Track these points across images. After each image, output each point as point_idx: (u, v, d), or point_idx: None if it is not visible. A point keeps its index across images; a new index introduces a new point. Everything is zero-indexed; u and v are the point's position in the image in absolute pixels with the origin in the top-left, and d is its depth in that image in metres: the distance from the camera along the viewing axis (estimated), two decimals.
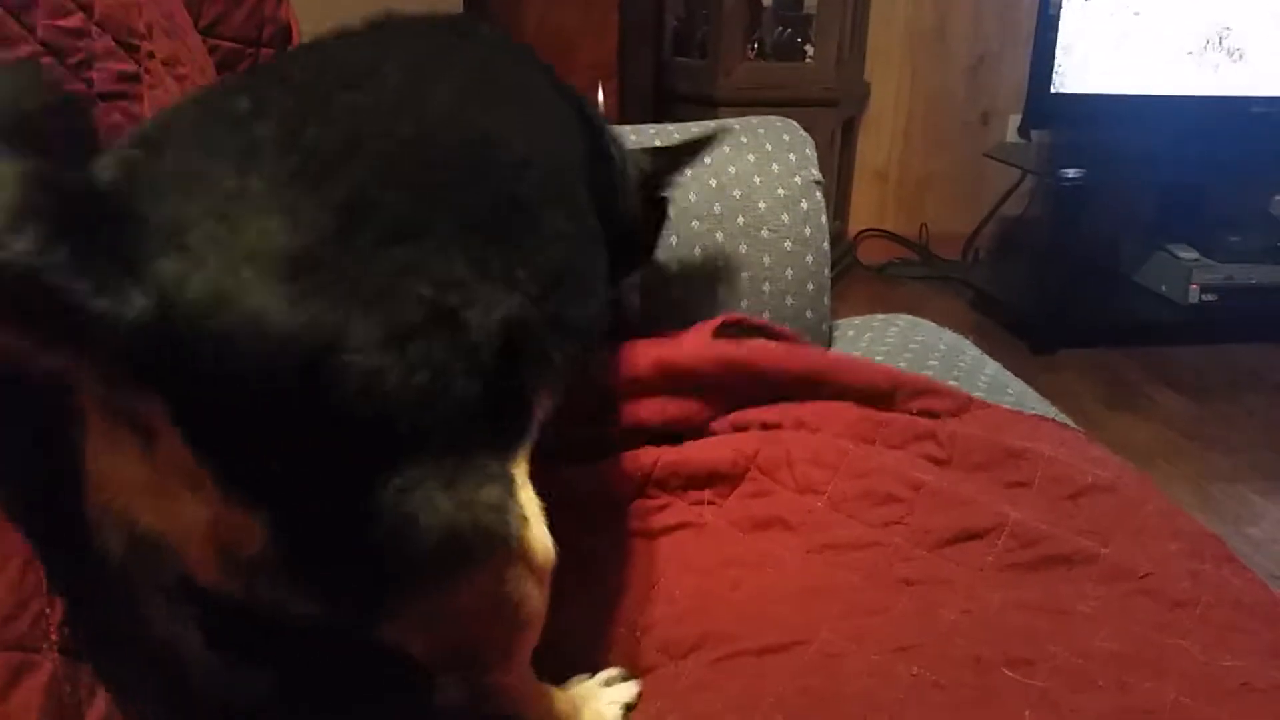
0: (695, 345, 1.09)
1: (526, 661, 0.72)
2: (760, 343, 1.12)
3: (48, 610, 0.57)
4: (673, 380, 1.05)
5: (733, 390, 1.08)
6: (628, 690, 0.80)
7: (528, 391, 0.68)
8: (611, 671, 0.82)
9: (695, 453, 1.02)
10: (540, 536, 0.67)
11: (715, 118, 1.52)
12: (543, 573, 0.67)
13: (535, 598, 0.67)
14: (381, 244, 0.60)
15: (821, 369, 1.08)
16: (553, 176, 0.82)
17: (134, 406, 0.53)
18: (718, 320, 1.21)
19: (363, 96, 0.71)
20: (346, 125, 0.66)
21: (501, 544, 0.63)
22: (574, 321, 0.77)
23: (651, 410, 1.03)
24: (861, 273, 3.56)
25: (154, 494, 0.56)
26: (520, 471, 0.67)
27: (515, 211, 0.73)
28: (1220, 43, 2.85)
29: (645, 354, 1.06)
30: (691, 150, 1.25)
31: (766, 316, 1.39)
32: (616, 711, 0.78)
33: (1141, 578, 0.87)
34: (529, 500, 0.66)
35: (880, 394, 1.07)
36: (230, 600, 0.59)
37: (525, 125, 0.83)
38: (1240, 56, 2.85)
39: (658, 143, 1.40)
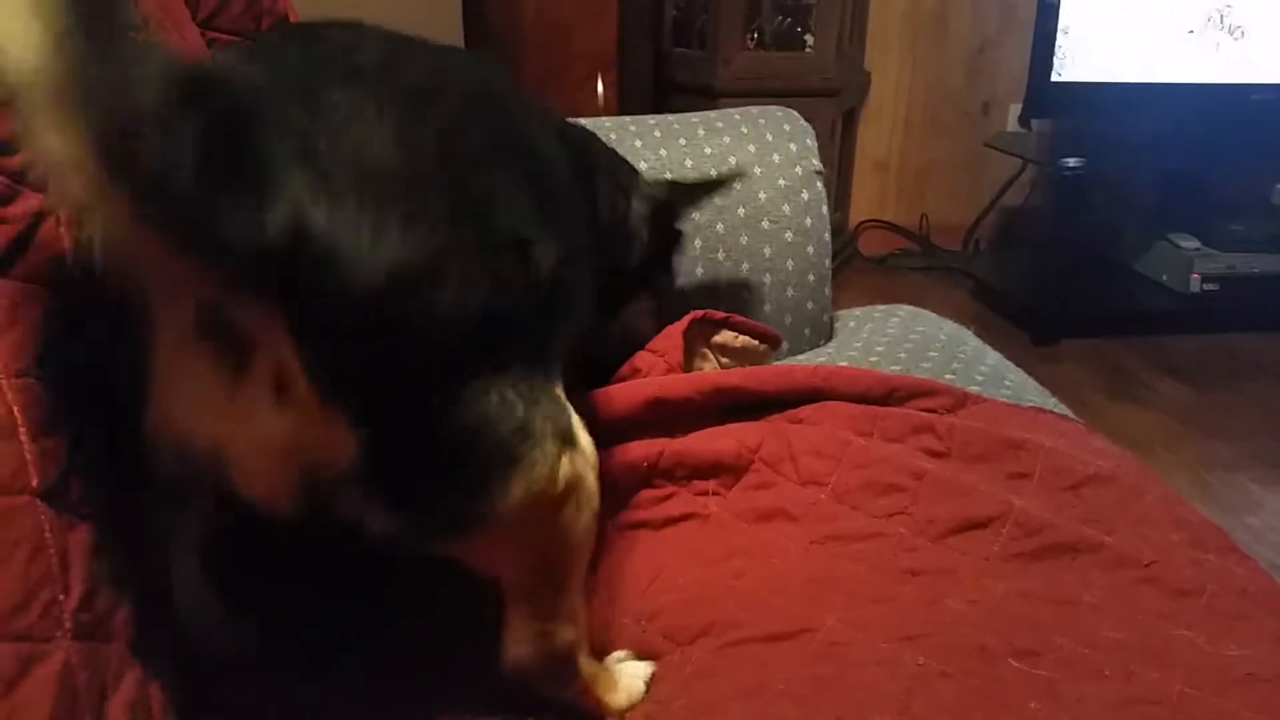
0: (685, 379, 1.09)
1: (583, 587, 0.75)
2: (751, 369, 1.12)
3: (61, 597, 0.57)
4: (667, 416, 1.05)
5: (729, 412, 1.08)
6: (645, 667, 0.81)
7: (557, 339, 0.73)
8: (620, 653, 0.83)
9: (699, 444, 1.01)
10: (588, 439, 0.72)
11: (715, 108, 1.52)
12: (595, 465, 0.72)
13: (596, 497, 0.72)
14: (475, 170, 0.66)
15: (815, 383, 1.07)
16: (564, 176, 0.88)
17: (241, 320, 0.54)
18: (685, 321, 1.20)
19: (429, 57, 0.78)
20: (425, 73, 0.73)
21: (570, 443, 0.68)
22: (578, 304, 0.81)
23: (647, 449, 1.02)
24: (862, 264, 3.55)
25: (228, 411, 0.57)
26: (560, 390, 0.71)
27: (548, 183, 0.79)
28: (1221, 21, 2.84)
29: (637, 393, 1.05)
30: (709, 188, 1.29)
31: (767, 308, 1.39)
32: (641, 685, 0.80)
33: (1145, 566, 0.87)
34: (572, 411, 0.71)
35: (875, 399, 1.07)
36: (282, 519, 0.61)
37: (541, 130, 0.89)
38: (1242, 34, 2.84)
39: (657, 134, 1.40)
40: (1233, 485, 2.19)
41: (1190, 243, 3.05)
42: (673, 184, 1.26)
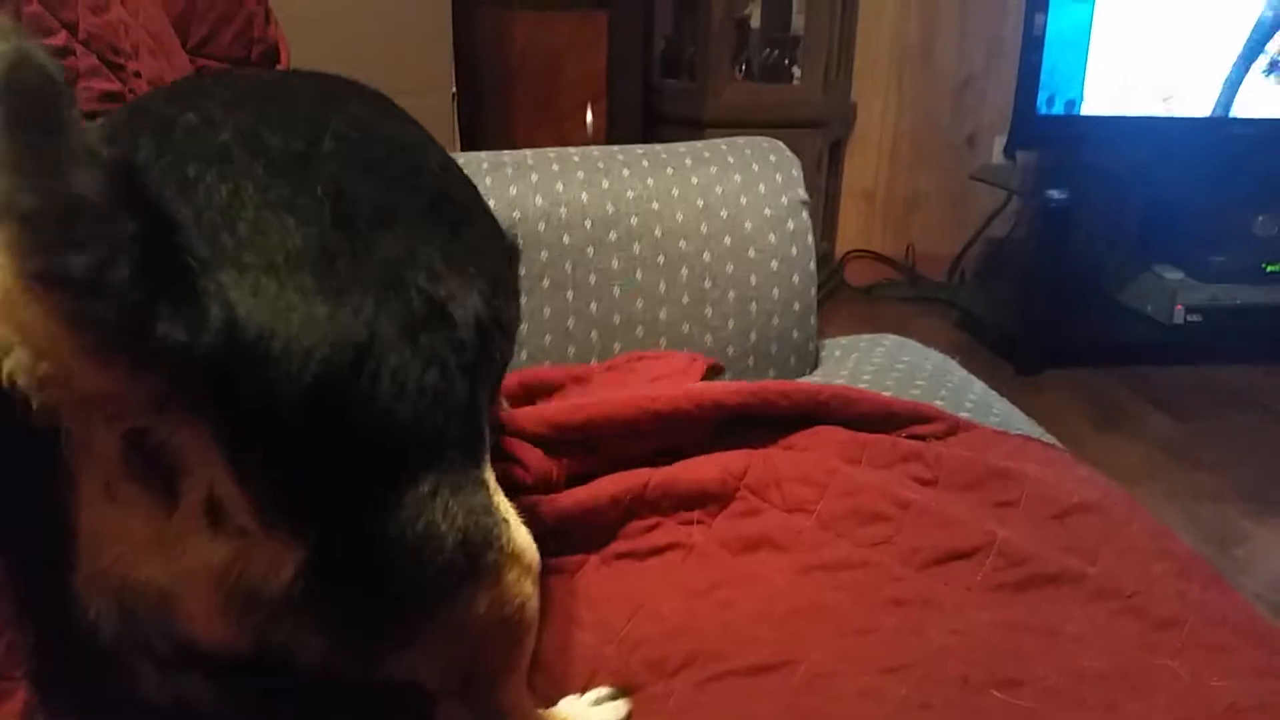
0: (690, 392, 1.07)
1: (524, 678, 0.72)
2: (757, 385, 1.11)
3: (20, 639, 0.57)
4: (665, 426, 1.04)
5: (728, 429, 1.07)
6: (616, 710, 0.80)
7: (479, 391, 0.66)
8: (601, 691, 0.81)
9: (685, 472, 1.01)
10: (524, 536, 0.67)
11: (702, 139, 1.53)
12: (534, 572, 0.68)
13: (533, 599, 0.68)
14: (374, 231, 0.60)
15: (818, 403, 1.07)
16: (465, 183, 0.83)
17: (172, 442, 0.51)
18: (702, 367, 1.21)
19: (292, 107, 0.70)
20: (294, 129, 0.65)
21: (500, 547, 0.63)
22: (509, 324, 0.78)
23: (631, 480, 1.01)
24: (848, 293, 3.57)
25: (162, 546, 0.53)
26: (490, 475, 0.66)
27: (454, 209, 0.73)
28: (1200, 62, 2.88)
29: (642, 403, 1.05)
30: None
31: (753, 336, 1.40)
32: None
33: (1128, 597, 0.87)
34: (504, 502, 0.66)
35: (874, 423, 1.07)
36: (229, 657, 0.58)
37: (426, 141, 0.83)
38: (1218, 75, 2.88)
39: (645, 163, 1.41)
40: (1218, 516, 2.20)
41: (1174, 274, 3.08)
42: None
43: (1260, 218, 3.17)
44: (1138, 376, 2.91)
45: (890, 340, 1.50)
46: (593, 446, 1.03)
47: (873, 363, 1.41)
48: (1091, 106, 2.87)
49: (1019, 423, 1.26)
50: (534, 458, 0.99)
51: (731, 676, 0.79)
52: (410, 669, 0.64)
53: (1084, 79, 2.85)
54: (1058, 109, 2.86)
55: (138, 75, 0.95)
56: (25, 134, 0.40)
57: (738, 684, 0.79)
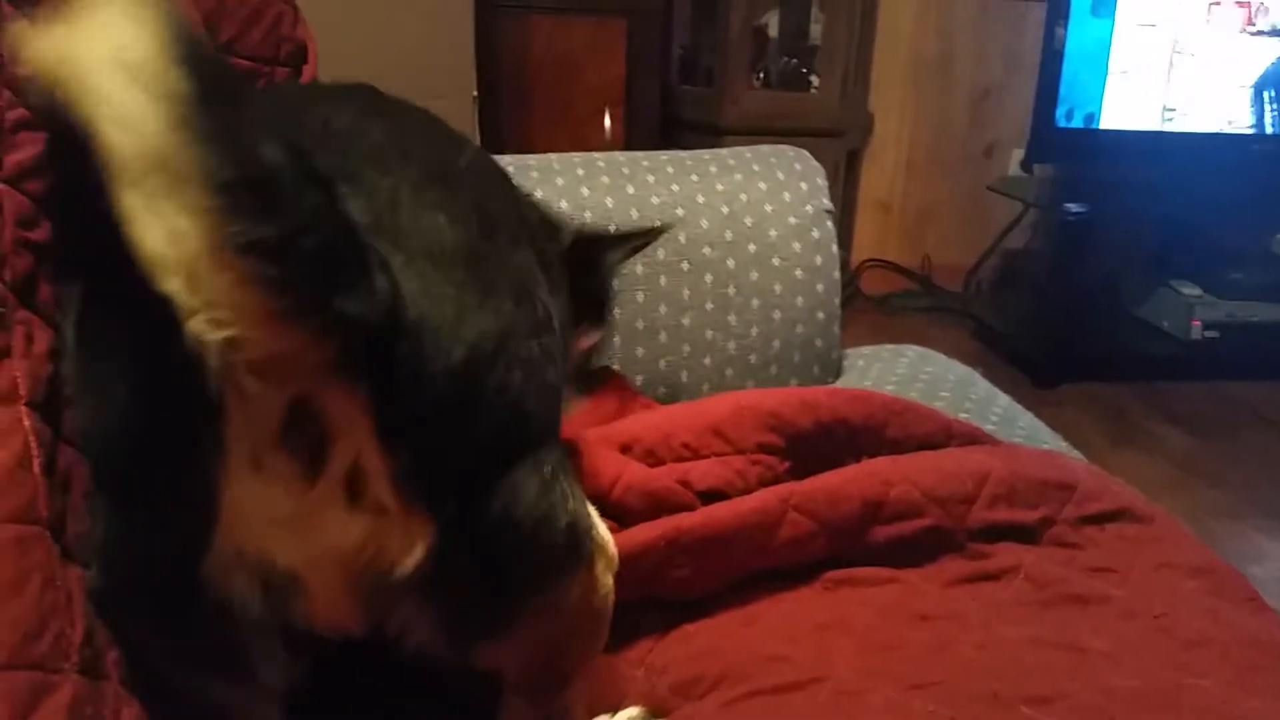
0: (777, 392, 1.05)
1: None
2: (829, 388, 1.08)
3: (68, 630, 0.56)
4: (745, 425, 1.00)
5: (800, 441, 1.02)
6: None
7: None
8: (633, 711, 0.80)
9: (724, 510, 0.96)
10: (605, 529, 0.70)
11: (720, 146, 1.53)
12: (614, 566, 0.71)
13: (612, 593, 0.70)
14: (508, 244, 0.66)
15: (885, 417, 1.03)
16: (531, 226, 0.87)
17: (329, 409, 0.52)
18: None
19: (404, 124, 0.76)
20: (436, 144, 0.73)
21: (593, 535, 0.67)
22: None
23: (711, 474, 0.97)
24: (864, 303, 3.56)
25: (299, 522, 0.55)
26: None
27: (527, 236, 0.76)
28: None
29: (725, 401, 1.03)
30: (634, 237, 1.13)
31: (776, 344, 1.39)
32: None
33: (1156, 617, 0.86)
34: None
35: (935, 444, 1.05)
36: (334, 641, 0.60)
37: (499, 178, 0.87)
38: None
39: (669, 169, 1.40)
40: (1236, 534, 2.19)
41: (1191, 290, 3.06)
42: (589, 234, 1.06)
43: (1278, 235, 3.16)
44: (1154, 392, 2.89)
45: (913, 351, 1.50)
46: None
47: (896, 373, 1.40)
48: (1110, 120, 2.87)
49: (1045, 436, 1.25)
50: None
51: (758, 696, 0.78)
52: (501, 657, 0.66)
53: (1103, 92, 2.84)
54: (1076, 122, 2.86)
55: None
56: (217, 106, 0.43)
57: (764, 704, 0.78)
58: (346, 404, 0.52)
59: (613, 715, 0.80)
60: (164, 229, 0.44)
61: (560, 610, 0.65)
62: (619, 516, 0.92)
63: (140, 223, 0.44)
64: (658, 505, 0.93)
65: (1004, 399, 1.35)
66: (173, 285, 0.45)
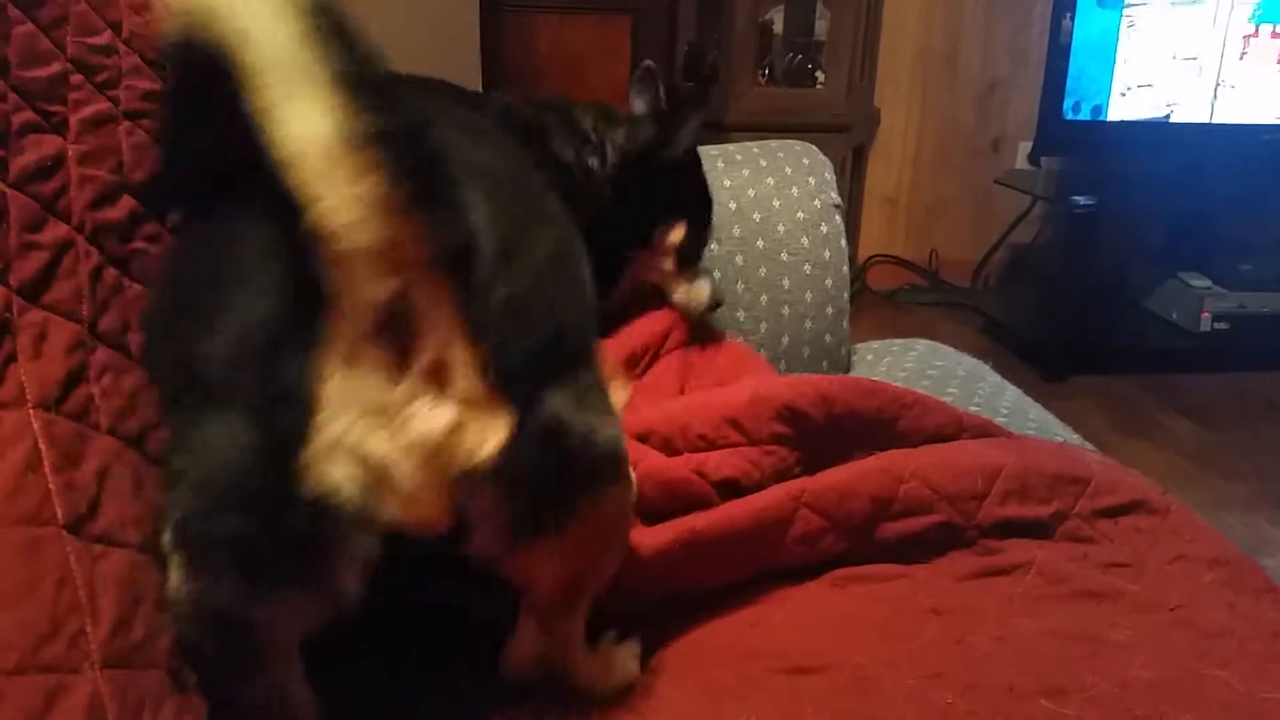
0: (793, 381, 1.03)
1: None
2: (843, 378, 1.07)
3: (88, 628, 0.56)
4: (758, 413, 0.99)
5: (811, 433, 1.01)
6: (633, 646, 0.84)
7: None
8: (609, 634, 0.85)
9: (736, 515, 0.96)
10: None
11: (726, 143, 1.53)
12: (634, 492, 0.77)
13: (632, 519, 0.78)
14: (538, 184, 0.86)
15: (896, 411, 1.03)
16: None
17: (419, 303, 0.57)
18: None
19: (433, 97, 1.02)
20: (459, 110, 1.01)
21: (626, 453, 0.72)
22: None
23: (726, 464, 0.97)
24: (871, 298, 3.55)
25: (391, 413, 0.58)
26: None
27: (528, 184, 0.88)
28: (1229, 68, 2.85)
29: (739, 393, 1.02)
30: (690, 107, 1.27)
31: (785, 340, 1.39)
32: (635, 664, 0.82)
33: (1172, 610, 0.85)
34: None
35: (946, 437, 1.04)
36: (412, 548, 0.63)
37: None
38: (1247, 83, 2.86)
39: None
40: (1248, 526, 2.18)
41: (1200, 281, 3.05)
42: (638, 120, 1.26)
43: None
44: (1164, 384, 2.88)
45: (922, 345, 1.49)
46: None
47: (905, 368, 1.40)
48: (1118, 112, 2.86)
49: (1055, 429, 1.25)
50: None
51: (778, 674, 0.78)
52: (545, 563, 0.71)
53: (1110, 84, 2.83)
54: (1084, 115, 2.85)
55: None
56: (330, 13, 0.52)
57: (783, 682, 0.77)
58: (438, 300, 0.57)
59: (613, 640, 0.83)
60: (299, 125, 0.51)
61: (602, 517, 0.71)
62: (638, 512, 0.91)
63: (277, 122, 0.51)
64: (673, 495, 0.93)
65: (1014, 391, 1.35)
66: (301, 176, 0.51)
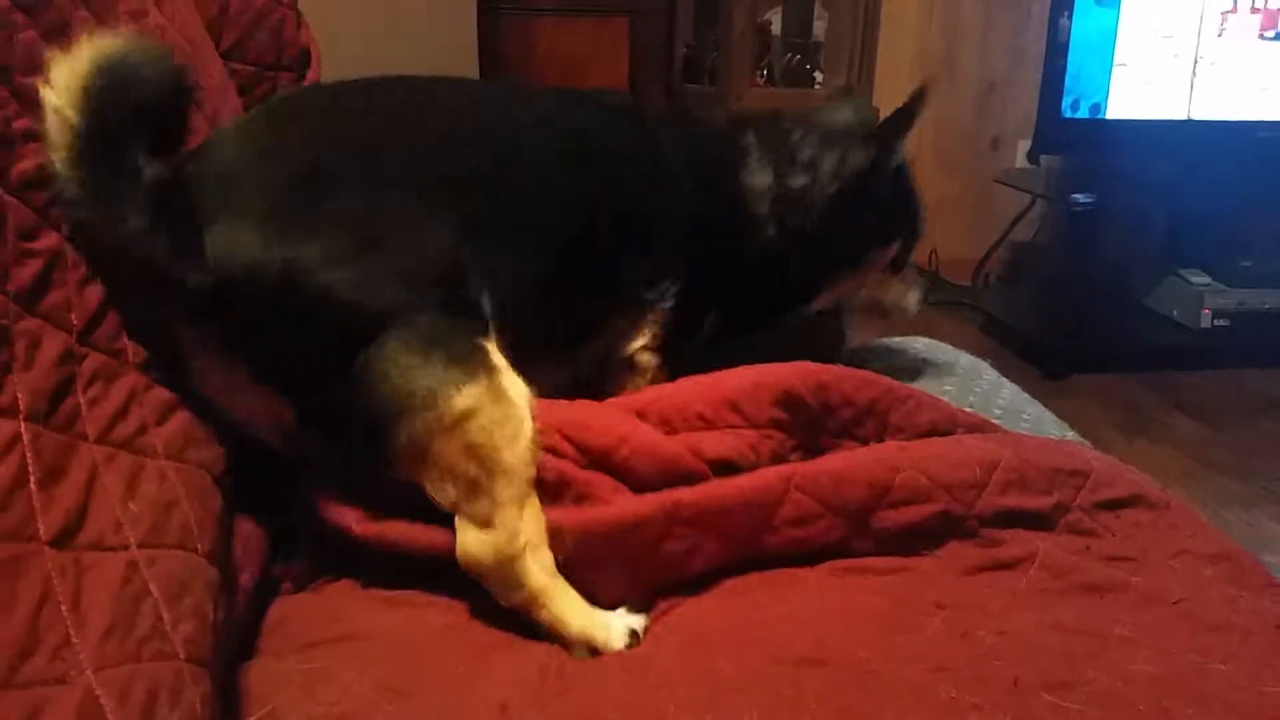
0: (794, 368, 1.04)
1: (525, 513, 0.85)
2: (841, 368, 1.08)
3: (74, 638, 0.56)
4: (754, 399, 1.00)
5: (806, 420, 1.02)
6: (638, 619, 0.86)
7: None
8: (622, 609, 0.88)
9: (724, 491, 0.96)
10: (499, 374, 0.84)
11: None
12: (509, 396, 0.84)
13: (508, 423, 0.83)
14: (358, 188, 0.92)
15: (889, 404, 1.04)
16: None
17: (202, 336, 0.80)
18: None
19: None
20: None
21: (470, 378, 0.82)
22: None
23: (724, 445, 0.97)
24: None
25: (228, 389, 0.83)
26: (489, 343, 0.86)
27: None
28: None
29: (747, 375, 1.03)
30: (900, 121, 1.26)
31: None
32: (623, 628, 0.84)
33: (1174, 603, 0.85)
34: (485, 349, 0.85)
35: (940, 432, 1.04)
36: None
37: None
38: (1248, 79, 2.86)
39: None
40: (1249, 523, 2.17)
41: (1201, 278, 3.05)
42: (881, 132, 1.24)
43: None
44: (1165, 382, 2.88)
45: (921, 342, 1.49)
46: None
47: (903, 364, 1.40)
48: (1117, 110, 2.86)
49: (1050, 426, 1.25)
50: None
51: (781, 665, 0.78)
52: (408, 475, 0.84)
53: (1109, 83, 2.84)
54: (1083, 113, 2.85)
55: None
56: None
57: (786, 672, 0.77)
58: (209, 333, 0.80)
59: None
60: None
61: (425, 446, 0.82)
62: (626, 479, 0.92)
63: None
64: (667, 471, 0.93)
65: (1011, 388, 1.35)
66: None
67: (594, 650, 0.83)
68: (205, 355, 0.81)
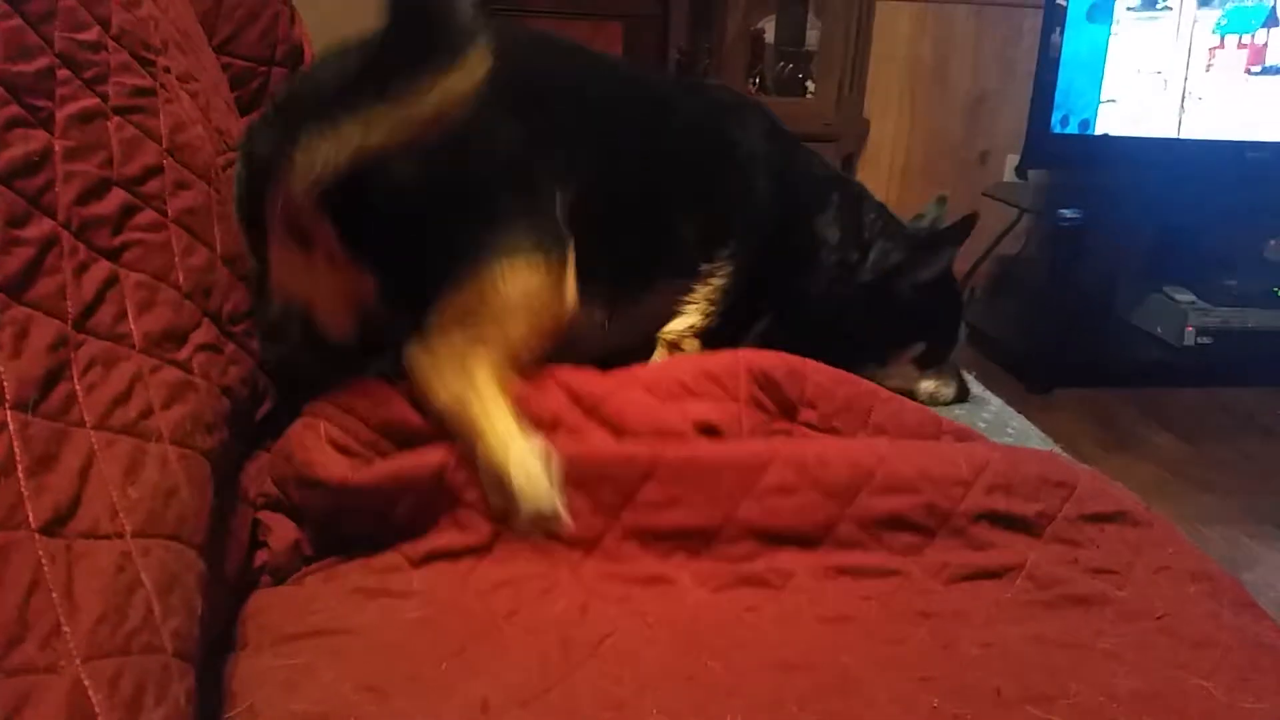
0: (772, 355, 1.08)
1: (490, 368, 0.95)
2: (817, 363, 1.10)
3: (65, 626, 0.55)
4: (726, 381, 1.05)
5: (785, 406, 1.06)
6: (549, 458, 0.91)
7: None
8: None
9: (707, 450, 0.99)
10: (547, 257, 0.98)
11: None
12: (553, 276, 0.99)
13: (542, 295, 0.98)
14: None
15: (870, 403, 1.05)
16: None
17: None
18: None
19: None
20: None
21: (523, 255, 0.97)
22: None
23: (712, 411, 1.02)
24: None
25: (306, 274, 0.97)
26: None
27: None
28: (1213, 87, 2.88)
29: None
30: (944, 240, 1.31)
31: None
32: (537, 464, 0.90)
33: (1158, 618, 0.86)
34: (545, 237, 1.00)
35: (924, 435, 1.05)
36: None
37: None
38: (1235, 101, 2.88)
39: None
40: (1228, 540, 2.19)
41: (1185, 296, 3.07)
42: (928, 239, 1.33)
43: (1272, 241, 3.17)
44: (1147, 398, 2.90)
45: None
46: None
47: None
48: (1105, 127, 2.88)
49: (1034, 439, 1.25)
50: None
51: (765, 669, 0.78)
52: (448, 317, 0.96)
53: (1099, 99, 2.85)
54: (1072, 129, 2.86)
55: (168, 71, 0.95)
56: None
57: (770, 676, 0.77)
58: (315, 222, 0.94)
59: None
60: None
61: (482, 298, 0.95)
62: (616, 428, 0.98)
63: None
64: (654, 424, 0.99)
65: (996, 402, 1.35)
66: None
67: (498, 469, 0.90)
68: (321, 244, 0.94)
